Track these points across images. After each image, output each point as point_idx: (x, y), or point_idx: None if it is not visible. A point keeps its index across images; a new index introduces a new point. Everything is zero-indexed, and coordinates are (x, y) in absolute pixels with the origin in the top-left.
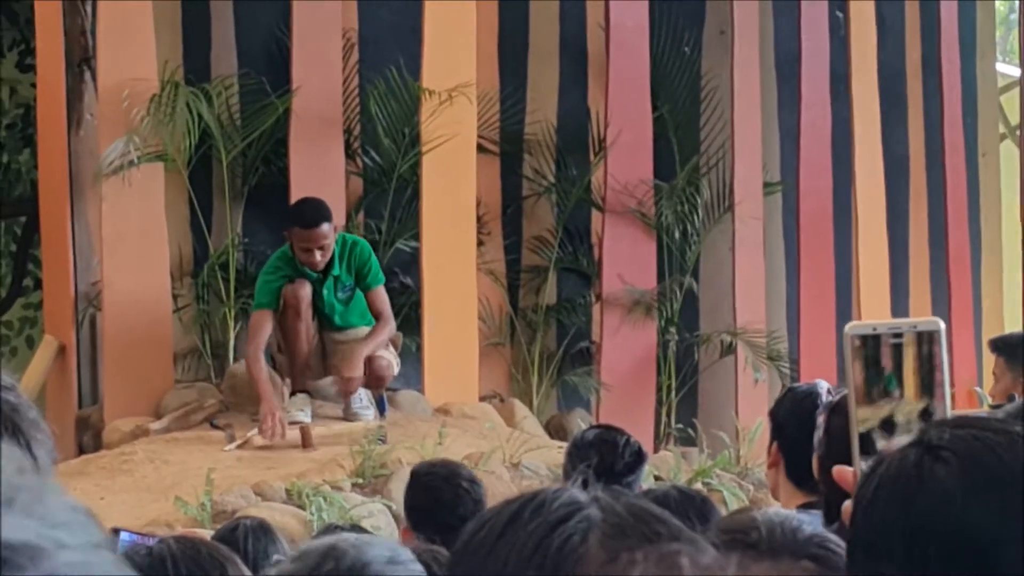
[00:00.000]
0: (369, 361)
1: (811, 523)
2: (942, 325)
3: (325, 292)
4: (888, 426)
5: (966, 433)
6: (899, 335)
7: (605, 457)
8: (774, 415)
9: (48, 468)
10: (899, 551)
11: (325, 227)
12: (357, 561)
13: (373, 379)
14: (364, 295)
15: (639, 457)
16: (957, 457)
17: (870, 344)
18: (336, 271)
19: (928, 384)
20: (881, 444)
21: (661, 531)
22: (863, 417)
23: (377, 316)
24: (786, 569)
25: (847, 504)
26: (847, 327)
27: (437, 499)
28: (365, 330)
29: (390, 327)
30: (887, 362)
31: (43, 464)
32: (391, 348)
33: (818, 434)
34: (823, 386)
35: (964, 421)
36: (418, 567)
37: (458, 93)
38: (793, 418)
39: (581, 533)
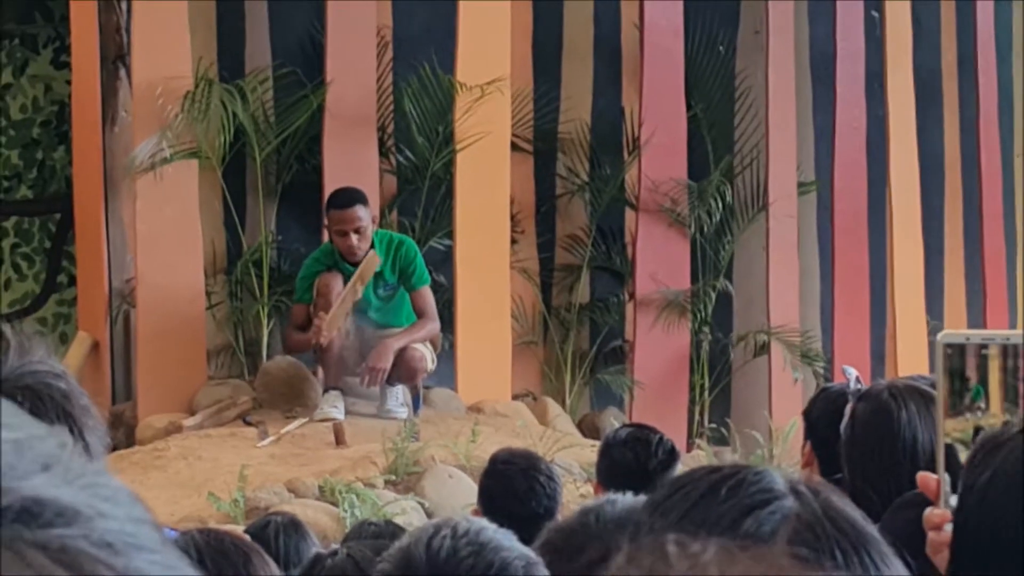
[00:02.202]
0: (401, 352)
1: None
2: None
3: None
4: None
5: None
6: (991, 346)
7: (639, 455)
8: (807, 415)
9: (100, 454)
10: (1011, 550)
11: (360, 208)
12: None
13: (405, 371)
14: (409, 295)
15: (672, 456)
16: None
17: (959, 354)
18: (377, 267)
19: (1014, 397)
20: (964, 454)
21: (849, 534)
22: (948, 428)
23: (420, 315)
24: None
25: (929, 511)
26: (939, 335)
27: (511, 488)
28: None
29: (430, 326)
30: (973, 373)
31: (95, 451)
32: (428, 345)
33: (845, 420)
34: (851, 373)
35: None
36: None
37: (492, 89)
38: (826, 418)
39: (773, 524)
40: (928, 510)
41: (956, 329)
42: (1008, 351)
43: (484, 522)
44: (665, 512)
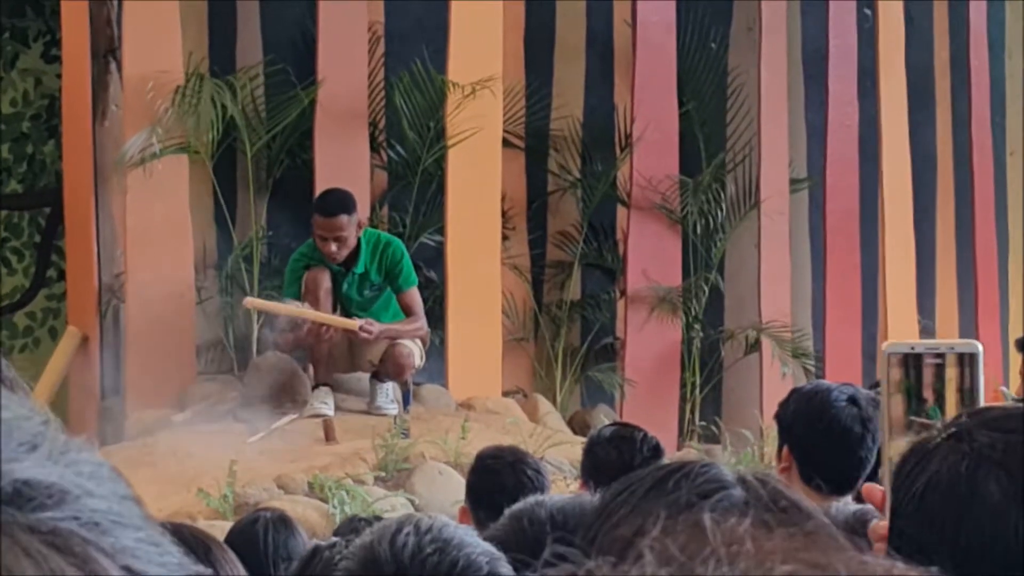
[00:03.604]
0: (390, 349)
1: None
2: (980, 348)
3: (345, 286)
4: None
5: (1018, 441)
6: (938, 355)
7: (623, 453)
8: (781, 418)
9: None
10: (947, 559)
11: (343, 218)
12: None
13: (393, 367)
14: (396, 296)
15: (657, 453)
16: (1009, 474)
17: (908, 363)
18: (360, 268)
19: (964, 404)
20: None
21: (799, 520)
22: (896, 437)
23: (408, 315)
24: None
25: (875, 523)
26: (884, 345)
27: (499, 483)
28: None
29: (418, 324)
30: (922, 382)
31: None
32: (418, 342)
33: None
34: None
35: (1013, 423)
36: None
37: (483, 87)
38: (801, 418)
39: (720, 512)
40: (874, 522)
41: (903, 339)
42: (961, 360)
43: (446, 519)
44: (617, 507)
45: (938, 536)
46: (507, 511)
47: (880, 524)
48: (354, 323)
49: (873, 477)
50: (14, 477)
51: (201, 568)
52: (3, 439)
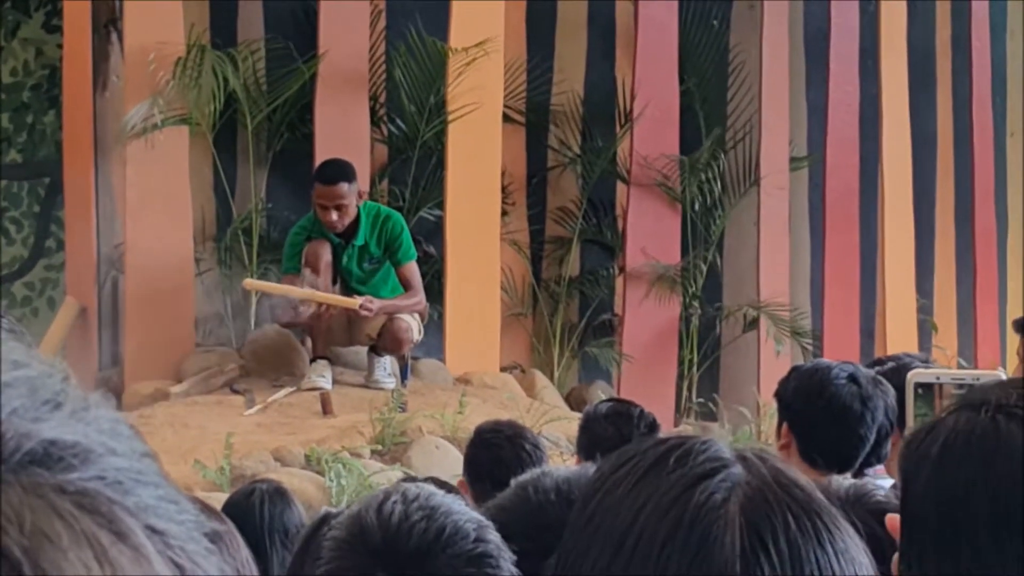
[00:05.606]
0: (388, 323)
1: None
2: (1004, 378)
3: (345, 259)
4: None
5: None
6: (961, 386)
7: (620, 430)
8: (780, 395)
9: None
10: (983, 511)
11: (343, 186)
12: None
13: (391, 341)
14: (395, 270)
15: (653, 430)
16: None
17: (932, 392)
18: (360, 241)
19: None
20: None
21: (801, 500)
22: None
23: (407, 289)
24: None
25: (892, 516)
26: (910, 374)
27: (498, 457)
28: None
29: (416, 298)
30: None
31: None
32: (416, 316)
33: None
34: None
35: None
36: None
37: (483, 52)
38: (801, 396)
39: (723, 492)
40: (890, 515)
41: (927, 368)
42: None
43: (433, 487)
44: (614, 485)
45: (962, 491)
46: (513, 481)
47: (895, 516)
48: (354, 301)
49: (871, 456)
50: (42, 437)
51: (216, 524)
52: (31, 398)
